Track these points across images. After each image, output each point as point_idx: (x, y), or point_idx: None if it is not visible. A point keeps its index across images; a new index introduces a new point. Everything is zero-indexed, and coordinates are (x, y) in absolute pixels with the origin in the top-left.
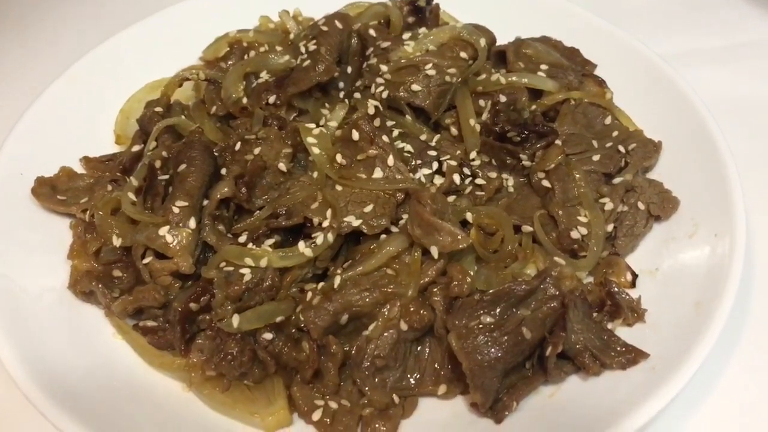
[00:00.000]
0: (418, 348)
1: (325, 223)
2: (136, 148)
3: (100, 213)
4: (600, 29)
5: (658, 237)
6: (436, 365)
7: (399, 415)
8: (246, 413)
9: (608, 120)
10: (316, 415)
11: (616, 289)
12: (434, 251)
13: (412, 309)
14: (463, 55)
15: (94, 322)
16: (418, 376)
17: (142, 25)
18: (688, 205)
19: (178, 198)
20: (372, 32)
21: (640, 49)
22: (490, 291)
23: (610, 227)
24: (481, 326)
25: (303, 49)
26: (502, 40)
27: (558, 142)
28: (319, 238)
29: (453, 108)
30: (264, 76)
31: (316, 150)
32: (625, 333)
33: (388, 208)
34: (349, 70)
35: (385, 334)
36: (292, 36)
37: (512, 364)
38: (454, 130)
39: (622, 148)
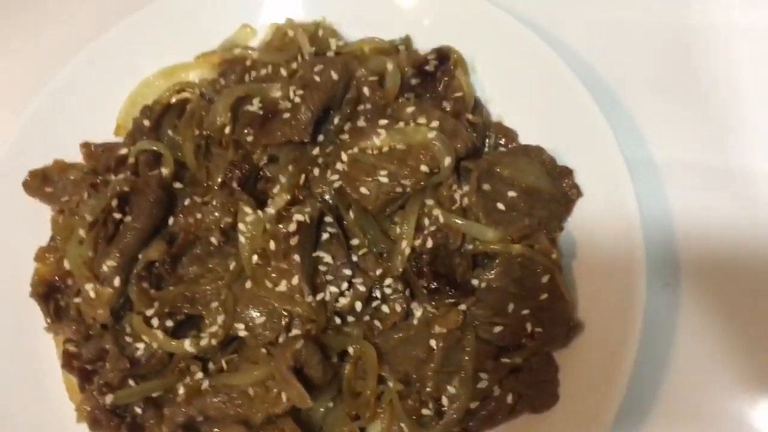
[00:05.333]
0: None
1: (214, 328)
2: (123, 150)
3: (60, 236)
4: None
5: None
6: None
7: None
8: None
9: (545, 279)
10: None
11: None
12: (284, 396)
13: None
14: (423, 168)
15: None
16: None
17: (161, 4)
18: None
19: (110, 256)
20: (366, 90)
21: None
22: None
23: (474, 404)
24: None
25: (291, 95)
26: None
27: (462, 306)
28: (204, 341)
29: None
30: (255, 103)
31: (242, 239)
32: None
33: (277, 324)
34: (337, 120)
35: None
36: (296, 62)
37: None
38: (398, 230)
39: (529, 326)
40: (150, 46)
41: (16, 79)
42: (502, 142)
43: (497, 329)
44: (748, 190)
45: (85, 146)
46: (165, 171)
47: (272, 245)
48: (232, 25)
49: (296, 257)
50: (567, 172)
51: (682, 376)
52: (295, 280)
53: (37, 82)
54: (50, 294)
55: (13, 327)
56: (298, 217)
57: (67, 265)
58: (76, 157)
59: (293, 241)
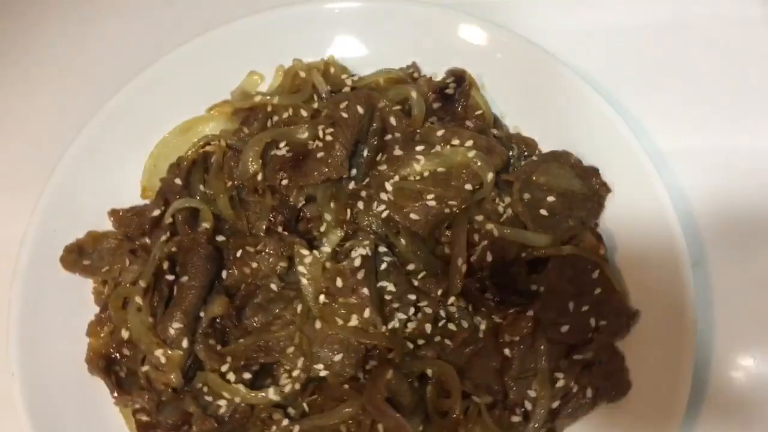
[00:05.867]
0: None
1: (295, 372)
2: (156, 212)
3: (112, 306)
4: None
5: (602, 412)
6: None
7: None
8: None
9: (596, 274)
10: None
11: None
12: (380, 428)
13: None
14: (468, 186)
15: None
16: None
17: (175, 57)
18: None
19: (175, 319)
20: (392, 120)
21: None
22: None
23: (555, 404)
24: None
25: (321, 134)
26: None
27: (530, 312)
28: (288, 387)
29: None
30: (282, 147)
31: (304, 281)
32: None
33: (355, 358)
34: (366, 152)
35: None
36: (316, 103)
37: None
38: (447, 249)
39: (593, 321)
40: (158, 106)
41: (28, 158)
42: (525, 152)
43: (564, 328)
44: (755, 164)
45: (114, 213)
46: (206, 226)
47: (339, 282)
48: (236, 73)
49: (365, 290)
50: (594, 172)
51: (723, 348)
52: (366, 313)
53: (48, 156)
54: (109, 367)
55: (76, 409)
56: (360, 251)
57: (124, 334)
58: (102, 225)
59: (360, 275)
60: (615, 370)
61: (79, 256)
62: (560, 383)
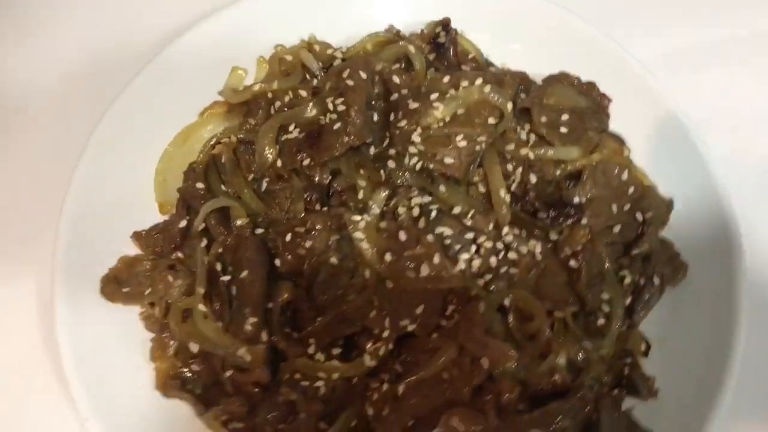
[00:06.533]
0: None
1: (385, 333)
2: (183, 223)
3: (174, 323)
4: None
5: (665, 301)
6: None
7: None
8: None
9: (625, 175)
10: None
11: (633, 371)
12: (485, 362)
13: (467, 415)
14: (491, 120)
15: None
16: None
17: (149, 74)
18: (693, 266)
19: (247, 315)
20: (395, 79)
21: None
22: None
23: (629, 300)
24: None
25: (331, 106)
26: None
27: (584, 221)
28: (382, 349)
29: (481, 166)
30: (293, 129)
31: (365, 246)
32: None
33: (436, 306)
34: (375, 117)
35: None
36: (315, 82)
37: None
38: (482, 188)
39: (639, 216)
40: (146, 124)
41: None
42: (522, 85)
43: (616, 229)
44: (743, 51)
45: (137, 236)
46: (242, 222)
47: (402, 236)
48: (217, 74)
49: (430, 237)
50: (592, 86)
51: None
52: (436, 259)
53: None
54: (184, 385)
55: None
56: (416, 200)
57: (193, 348)
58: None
59: (421, 223)
60: (670, 255)
61: (117, 285)
62: (628, 279)
